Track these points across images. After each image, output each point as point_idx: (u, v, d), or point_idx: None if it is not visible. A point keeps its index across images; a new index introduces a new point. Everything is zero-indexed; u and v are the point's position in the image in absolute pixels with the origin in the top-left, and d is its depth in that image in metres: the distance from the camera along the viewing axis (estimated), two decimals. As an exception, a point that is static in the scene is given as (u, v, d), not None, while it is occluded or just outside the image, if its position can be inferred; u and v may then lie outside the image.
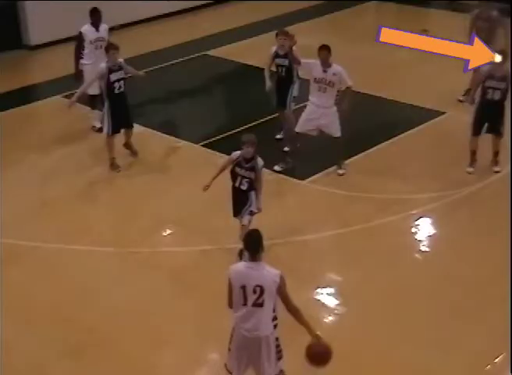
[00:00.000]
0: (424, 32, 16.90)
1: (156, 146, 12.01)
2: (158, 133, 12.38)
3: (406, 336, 7.67)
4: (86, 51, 11.93)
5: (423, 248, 9.29)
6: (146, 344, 7.67)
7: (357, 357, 7.33)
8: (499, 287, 8.23)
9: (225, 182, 8.75)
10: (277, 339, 6.31)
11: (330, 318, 8.02)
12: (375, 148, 11.67)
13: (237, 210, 8.73)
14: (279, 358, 6.38)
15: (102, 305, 8.26)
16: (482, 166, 10.91)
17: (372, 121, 12.70)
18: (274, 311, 6.13)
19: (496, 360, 7.23)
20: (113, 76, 10.82)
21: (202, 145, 11.96)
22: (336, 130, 10.60)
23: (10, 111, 13.32)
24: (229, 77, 15.35)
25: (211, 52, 16.17)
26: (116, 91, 10.90)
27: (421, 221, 9.76)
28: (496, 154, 10.78)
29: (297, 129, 10.71)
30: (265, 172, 9.21)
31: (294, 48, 10.87)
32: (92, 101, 12.18)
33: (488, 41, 12.31)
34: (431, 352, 7.41)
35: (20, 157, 11.65)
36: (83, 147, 11.94)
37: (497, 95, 10.32)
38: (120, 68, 10.91)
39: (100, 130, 11.96)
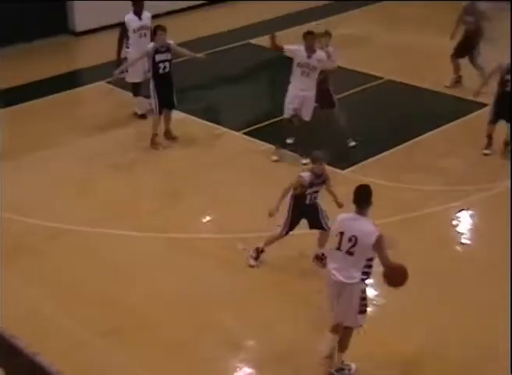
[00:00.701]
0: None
1: (197, 132, 12.07)
2: (199, 120, 12.44)
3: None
4: (130, 40, 12.01)
5: (465, 240, 9.26)
6: (188, 328, 7.73)
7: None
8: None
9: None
10: (363, 292, 6.75)
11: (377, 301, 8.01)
12: (416, 138, 11.63)
13: (313, 225, 8.51)
14: (362, 311, 6.77)
15: (144, 288, 8.35)
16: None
17: (414, 112, 12.66)
18: (366, 266, 6.63)
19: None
20: (158, 57, 11.06)
21: (243, 133, 12.03)
22: (308, 114, 10.78)
23: (56, 95, 13.48)
24: (271, 66, 15.35)
25: (254, 41, 16.20)
26: (161, 72, 11.14)
27: (463, 213, 9.73)
28: (507, 143, 11.08)
29: (285, 114, 10.88)
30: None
31: (330, 48, 10.87)
32: (135, 89, 12.29)
33: (476, 34, 12.68)
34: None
35: (64, 139, 11.84)
36: (124, 132, 12.08)
37: None
38: (168, 50, 11.12)
39: (142, 116, 12.08)
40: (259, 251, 8.61)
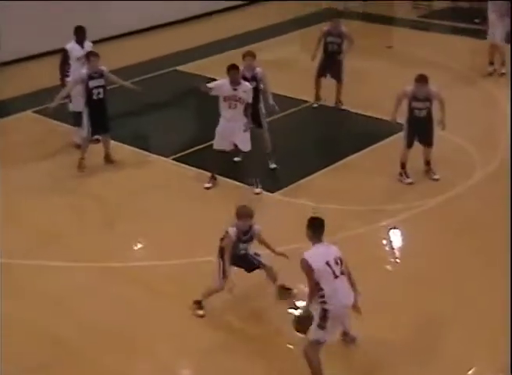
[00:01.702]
0: (389, 48, 17.36)
1: (127, 159, 12.03)
2: (128, 146, 12.42)
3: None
4: (72, 68, 11.95)
5: (396, 258, 9.45)
6: (122, 359, 7.64)
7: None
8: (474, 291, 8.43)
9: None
10: None
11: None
12: (344, 160, 11.84)
13: (249, 268, 8.36)
14: None
15: (76, 320, 8.23)
16: (447, 176, 11.15)
17: (341, 133, 12.95)
18: None
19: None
20: (92, 83, 11.16)
21: (172, 159, 12.06)
22: (245, 145, 10.88)
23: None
24: (198, 92, 15.41)
25: (181, 68, 16.31)
26: (95, 97, 11.24)
27: (393, 232, 9.94)
28: (428, 163, 11.21)
29: (214, 146, 10.92)
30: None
31: (259, 69, 11.15)
32: (76, 118, 12.08)
33: (338, 54, 13.48)
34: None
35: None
36: (53, 160, 12.02)
37: (423, 113, 10.82)
38: (101, 75, 11.22)
39: (79, 146, 12.04)
40: (200, 303, 8.31)
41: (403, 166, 11.13)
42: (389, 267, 9.31)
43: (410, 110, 10.88)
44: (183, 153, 12.23)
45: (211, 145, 11.04)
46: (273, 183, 11.19)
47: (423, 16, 20.03)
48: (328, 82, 13.84)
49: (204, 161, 11.60)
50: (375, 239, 9.81)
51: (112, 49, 16.53)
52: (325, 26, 13.81)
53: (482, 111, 13.51)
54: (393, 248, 9.70)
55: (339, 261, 6.99)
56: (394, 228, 10.01)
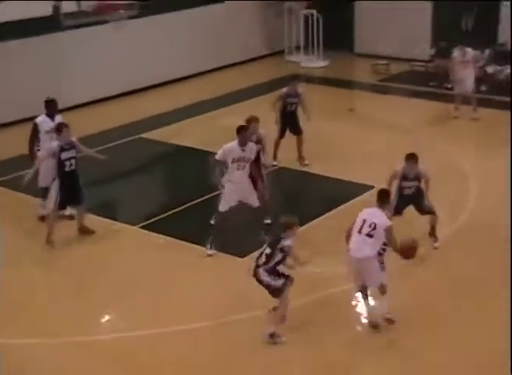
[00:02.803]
0: (350, 111, 17.73)
1: (94, 229, 11.93)
2: (95, 216, 12.26)
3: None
4: (42, 142, 11.89)
5: (365, 320, 9.44)
6: None
7: None
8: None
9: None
10: (381, 261, 9.03)
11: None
12: (311, 222, 11.92)
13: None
14: (382, 270, 9.02)
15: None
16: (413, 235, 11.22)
17: (306, 195, 13.07)
18: (382, 248, 9.00)
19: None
20: (64, 155, 11.07)
21: (140, 227, 12.04)
22: (255, 200, 11.07)
23: None
24: (164, 158, 15.59)
25: (145, 135, 16.44)
26: (67, 169, 11.15)
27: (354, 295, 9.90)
28: (433, 228, 11.12)
29: (221, 209, 10.94)
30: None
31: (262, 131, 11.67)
32: (44, 192, 11.96)
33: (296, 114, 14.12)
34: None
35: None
36: (17, 232, 11.93)
37: (412, 191, 10.95)
38: (73, 146, 11.17)
39: (43, 218, 11.94)
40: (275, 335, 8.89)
41: None
42: (359, 328, 9.34)
43: (400, 189, 10.93)
44: (150, 221, 12.23)
45: (180, 211, 11.06)
46: (241, 247, 11.21)
47: (382, 80, 20.53)
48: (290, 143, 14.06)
49: (172, 228, 11.65)
50: (346, 300, 9.82)
51: (76, 118, 16.61)
52: (283, 89, 14.23)
53: (442, 171, 13.75)
54: (364, 309, 9.73)
55: (373, 225, 8.74)
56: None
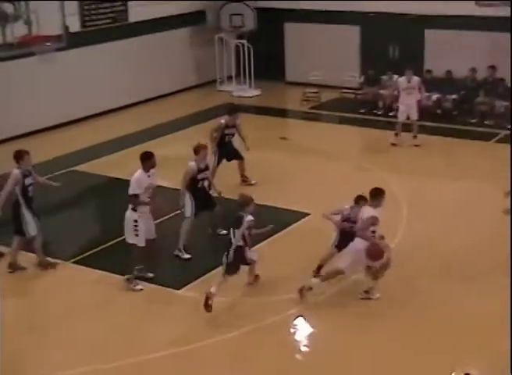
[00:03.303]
0: (283, 139, 17.88)
1: (25, 265, 11.65)
2: (25, 252, 11.86)
3: None
4: None
5: (304, 347, 9.48)
6: None
7: None
8: None
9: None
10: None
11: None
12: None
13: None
14: None
15: None
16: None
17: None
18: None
19: None
20: (27, 181, 11.02)
21: (72, 262, 11.83)
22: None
23: None
24: (97, 192, 15.40)
25: (79, 168, 16.25)
26: (30, 195, 11.10)
27: (301, 319, 9.99)
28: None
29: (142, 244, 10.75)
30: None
31: None
32: None
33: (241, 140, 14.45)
34: None
35: None
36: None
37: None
38: (30, 173, 11.15)
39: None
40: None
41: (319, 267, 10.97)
42: (298, 356, 9.34)
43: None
44: (83, 255, 12.04)
45: (113, 245, 10.93)
46: (176, 279, 11.15)
47: (313, 108, 20.80)
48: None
49: (105, 262, 11.52)
50: (285, 328, 9.82)
51: (7, 151, 16.29)
52: (221, 119, 14.37)
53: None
54: (303, 336, 9.75)
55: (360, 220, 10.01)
56: (301, 316, 10.07)
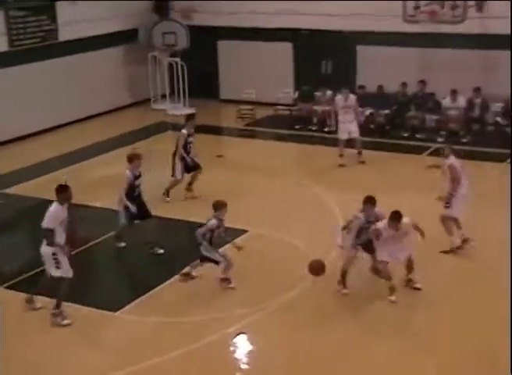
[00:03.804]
0: (219, 157, 17.83)
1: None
2: None
3: None
4: None
5: (246, 365, 9.39)
6: None
7: None
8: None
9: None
10: None
11: None
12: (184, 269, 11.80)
13: None
14: None
15: None
16: (290, 274, 11.41)
17: (180, 243, 12.92)
18: None
19: None
20: None
21: (6, 287, 11.52)
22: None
23: None
24: (29, 214, 15.06)
25: (9, 190, 15.89)
26: None
27: (240, 337, 9.91)
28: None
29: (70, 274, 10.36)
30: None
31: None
32: None
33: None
34: None
35: None
36: None
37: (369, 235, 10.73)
38: None
39: None
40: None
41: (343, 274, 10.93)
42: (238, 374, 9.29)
43: (358, 233, 10.75)
44: (16, 279, 11.72)
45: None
46: (113, 300, 10.96)
47: (248, 125, 20.85)
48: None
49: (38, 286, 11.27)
50: (224, 347, 9.73)
51: None
52: (183, 130, 14.68)
53: (312, 211, 14.03)
54: (244, 354, 9.68)
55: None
56: (242, 333, 10.01)
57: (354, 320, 10.27)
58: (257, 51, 22.07)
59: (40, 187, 15.88)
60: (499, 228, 12.59)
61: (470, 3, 18.13)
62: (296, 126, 20.11)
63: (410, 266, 10.85)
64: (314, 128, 19.98)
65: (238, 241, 12.56)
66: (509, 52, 18.26)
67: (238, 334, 9.97)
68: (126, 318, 10.50)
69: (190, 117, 15.15)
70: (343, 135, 17.06)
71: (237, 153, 18.50)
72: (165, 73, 22.79)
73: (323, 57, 21.52)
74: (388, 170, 16.70)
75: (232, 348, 9.73)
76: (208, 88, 22.93)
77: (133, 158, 12.20)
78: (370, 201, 10.67)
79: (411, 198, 14.48)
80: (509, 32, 17.84)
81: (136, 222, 12.28)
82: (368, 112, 19.40)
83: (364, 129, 18.56)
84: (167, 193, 14.83)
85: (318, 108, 20.04)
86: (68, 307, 10.70)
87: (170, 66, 22.50)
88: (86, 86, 21.04)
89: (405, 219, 10.36)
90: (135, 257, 12.47)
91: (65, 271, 10.15)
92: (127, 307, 10.77)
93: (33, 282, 11.37)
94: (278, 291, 10.97)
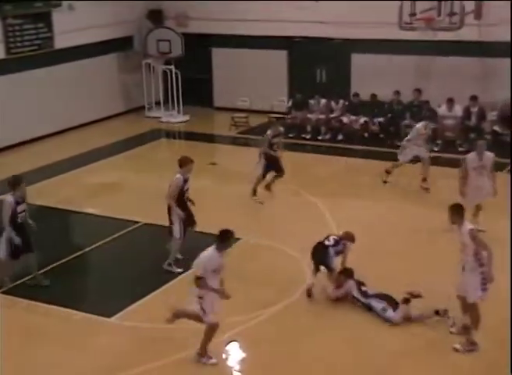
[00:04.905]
0: (213, 165, 17.81)
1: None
2: None
3: None
4: None
5: (238, 373, 9.38)
6: None
7: None
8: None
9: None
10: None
11: None
12: (173, 281, 11.74)
13: None
14: None
15: None
16: (283, 282, 11.38)
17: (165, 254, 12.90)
18: None
19: None
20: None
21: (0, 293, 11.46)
22: None
23: None
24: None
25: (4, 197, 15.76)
26: None
27: (232, 345, 9.87)
28: None
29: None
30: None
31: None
32: None
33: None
34: None
35: None
36: None
37: None
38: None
39: None
40: None
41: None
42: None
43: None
44: (12, 285, 11.63)
45: (42, 274, 10.62)
46: (108, 306, 10.90)
47: (242, 132, 20.84)
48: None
49: (35, 291, 11.23)
50: (216, 354, 9.65)
51: None
52: (268, 132, 15.00)
53: (306, 219, 14.01)
54: (236, 362, 9.64)
55: None
56: (234, 341, 9.96)
57: (348, 329, 10.24)
58: (252, 59, 22.09)
59: (33, 194, 15.79)
60: (497, 237, 12.50)
61: (467, 10, 18.10)
62: (290, 135, 20.08)
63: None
64: (307, 136, 19.99)
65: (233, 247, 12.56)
66: (506, 60, 18.26)
67: (230, 342, 9.93)
68: (120, 324, 10.46)
69: (277, 120, 15.87)
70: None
71: (231, 161, 18.48)
72: (159, 81, 22.77)
73: (318, 65, 21.56)
74: (381, 179, 16.69)
75: (224, 356, 9.69)
76: (202, 96, 22.94)
77: (185, 163, 11.73)
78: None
79: (404, 206, 14.51)
80: (506, 39, 17.87)
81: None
82: (362, 120, 19.42)
83: (358, 137, 18.63)
84: (254, 192, 15.02)
85: (312, 116, 20.05)
86: (62, 312, 10.71)
87: (164, 73, 22.48)
88: (81, 93, 21.00)
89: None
90: (130, 264, 12.42)
91: (208, 317, 9.20)
92: (121, 313, 10.74)
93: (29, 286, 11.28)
94: (271, 299, 10.93)
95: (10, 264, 11.15)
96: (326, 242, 10.98)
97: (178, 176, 11.70)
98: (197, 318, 9.24)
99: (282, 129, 15.41)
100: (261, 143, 15.00)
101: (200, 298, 9.08)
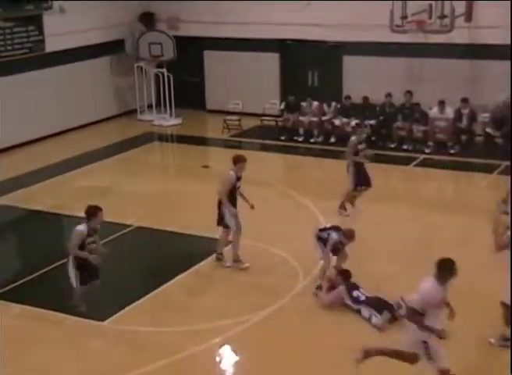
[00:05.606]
0: (205, 167, 17.83)
1: None
2: None
3: None
4: None
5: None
6: None
7: None
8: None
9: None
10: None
11: None
12: (172, 280, 11.73)
13: None
14: None
15: None
16: (278, 285, 11.39)
17: (165, 254, 12.88)
18: None
19: None
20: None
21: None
22: None
23: None
24: (16, 224, 15.01)
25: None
26: None
27: (224, 349, 9.87)
28: None
29: None
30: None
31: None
32: None
33: None
34: None
35: None
36: None
37: None
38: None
39: None
40: None
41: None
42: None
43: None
44: (3, 290, 11.63)
45: (34, 278, 10.63)
46: (101, 310, 10.89)
47: (234, 135, 20.85)
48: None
49: (26, 296, 11.22)
50: (209, 358, 9.70)
51: None
52: (353, 137, 14.56)
53: (299, 222, 14.03)
54: (228, 365, 9.65)
55: None
56: (226, 344, 9.96)
57: (341, 333, 10.24)
58: (244, 62, 22.12)
59: (25, 197, 15.84)
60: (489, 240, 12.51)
61: (457, 13, 18.19)
62: (282, 137, 20.13)
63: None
64: (300, 139, 20.01)
65: (225, 250, 12.60)
66: (497, 62, 18.37)
67: (222, 345, 9.94)
68: (113, 327, 10.45)
69: (359, 126, 15.73)
70: None
71: (223, 163, 18.32)
72: (151, 84, 22.76)
73: (310, 67, 21.59)
74: (374, 181, 16.72)
75: (216, 359, 9.70)
76: (195, 99, 22.95)
77: (239, 161, 11.98)
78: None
79: (396, 208, 14.55)
80: (497, 42, 17.99)
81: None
82: (353, 122, 19.44)
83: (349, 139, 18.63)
84: (343, 206, 14.36)
85: (305, 118, 20.08)
86: (54, 316, 10.70)
87: (156, 76, 22.48)
88: (72, 96, 20.99)
89: None
90: (122, 267, 12.42)
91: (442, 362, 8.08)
92: (114, 317, 10.73)
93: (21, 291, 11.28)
94: (263, 303, 10.94)
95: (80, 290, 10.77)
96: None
97: (231, 173, 11.93)
98: (399, 355, 8.29)
99: (365, 135, 14.71)
100: (346, 153, 14.40)
101: (425, 342, 7.99)
